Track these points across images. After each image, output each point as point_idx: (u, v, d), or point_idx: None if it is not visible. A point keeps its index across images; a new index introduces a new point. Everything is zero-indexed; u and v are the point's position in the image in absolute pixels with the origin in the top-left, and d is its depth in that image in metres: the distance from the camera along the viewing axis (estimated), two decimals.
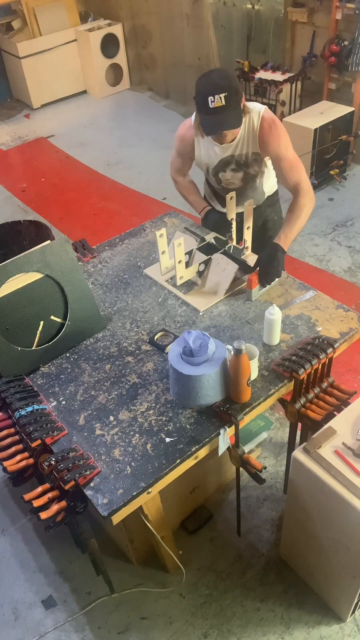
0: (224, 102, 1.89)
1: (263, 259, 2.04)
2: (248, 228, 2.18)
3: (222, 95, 1.88)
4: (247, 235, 2.21)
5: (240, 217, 2.28)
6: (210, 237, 2.26)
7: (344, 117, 4.19)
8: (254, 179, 2.27)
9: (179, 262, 2.06)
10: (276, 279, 2.06)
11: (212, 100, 1.89)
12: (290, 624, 1.95)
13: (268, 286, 2.08)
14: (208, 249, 2.18)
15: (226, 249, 2.18)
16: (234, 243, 2.25)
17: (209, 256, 2.14)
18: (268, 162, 2.24)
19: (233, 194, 2.18)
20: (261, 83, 4.45)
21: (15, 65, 6.09)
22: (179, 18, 5.46)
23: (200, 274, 2.16)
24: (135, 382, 1.80)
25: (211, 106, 1.90)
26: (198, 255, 2.16)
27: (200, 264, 2.13)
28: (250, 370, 1.61)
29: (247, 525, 2.23)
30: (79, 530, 1.71)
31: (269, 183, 2.37)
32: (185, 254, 2.11)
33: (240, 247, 2.23)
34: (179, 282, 2.13)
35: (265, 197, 2.41)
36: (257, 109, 2.08)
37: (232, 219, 2.24)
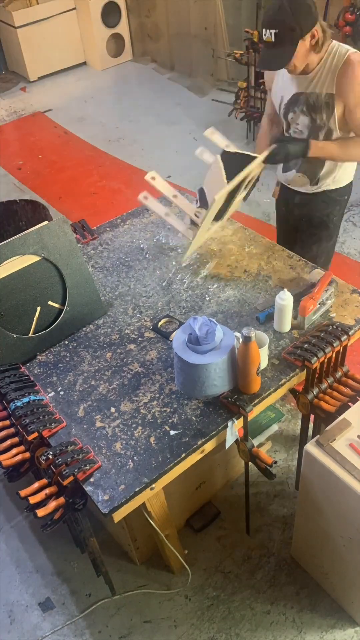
0: (273, 39, 1.82)
1: (279, 140, 1.97)
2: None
3: (272, 32, 1.81)
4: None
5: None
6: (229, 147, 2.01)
7: None
8: (318, 133, 2.05)
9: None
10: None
11: (265, 34, 1.83)
12: (302, 628, 1.94)
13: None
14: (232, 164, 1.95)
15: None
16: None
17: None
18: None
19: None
20: None
21: (10, 35, 6.00)
22: None
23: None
24: (137, 371, 1.79)
25: (264, 39, 1.85)
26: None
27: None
28: (259, 359, 1.59)
29: (257, 523, 2.22)
30: (78, 529, 1.71)
31: (334, 169, 2.14)
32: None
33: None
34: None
35: (322, 184, 2.20)
36: (345, 48, 1.95)
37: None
